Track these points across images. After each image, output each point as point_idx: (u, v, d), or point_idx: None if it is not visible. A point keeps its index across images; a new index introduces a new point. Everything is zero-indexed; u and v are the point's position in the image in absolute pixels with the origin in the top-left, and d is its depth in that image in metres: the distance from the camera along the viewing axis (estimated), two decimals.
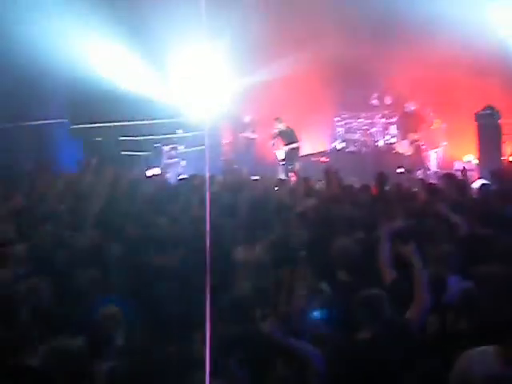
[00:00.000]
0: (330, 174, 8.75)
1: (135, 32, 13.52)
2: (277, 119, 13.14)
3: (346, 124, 15.09)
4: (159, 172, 12.21)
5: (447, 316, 4.32)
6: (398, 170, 12.01)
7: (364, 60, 13.49)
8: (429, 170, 12.87)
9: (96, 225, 7.23)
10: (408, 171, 10.02)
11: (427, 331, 4.36)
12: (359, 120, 14.86)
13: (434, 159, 13.37)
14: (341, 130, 15.17)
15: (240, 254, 6.26)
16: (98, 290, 5.49)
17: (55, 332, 4.42)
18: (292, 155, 13.07)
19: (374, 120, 14.51)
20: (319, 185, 9.24)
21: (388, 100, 14.22)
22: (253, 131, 14.35)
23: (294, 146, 13.06)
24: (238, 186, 9.25)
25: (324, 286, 5.21)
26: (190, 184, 9.19)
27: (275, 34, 13.77)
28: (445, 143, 13.59)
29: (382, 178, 8.37)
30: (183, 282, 5.73)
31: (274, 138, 13.27)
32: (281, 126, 13.11)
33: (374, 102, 14.36)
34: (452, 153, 13.51)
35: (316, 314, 4.39)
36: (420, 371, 3.66)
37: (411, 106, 12.70)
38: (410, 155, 12.64)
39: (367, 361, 3.90)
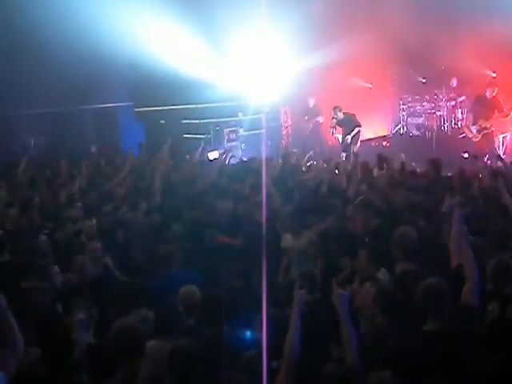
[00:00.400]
0: (383, 159, 8.68)
1: (197, 16, 13.62)
2: (336, 108, 12.90)
3: (409, 107, 14.72)
4: (220, 155, 12.32)
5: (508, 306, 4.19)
6: (464, 155, 11.63)
7: (430, 43, 13.11)
8: (498, 156, 12.38)
9: (158, 207, 7.44)
10: (474, 157, 9.68)
11: (486, 319, 4.25)
12: (424, 103, 14.45)
13: (501, 144, 12.91)
14: (404, 114, 14.81)
15: (287, 240, 6.29)
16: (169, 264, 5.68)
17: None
18: (352, 140, 12.88)
19: (440, 103, 14.09)
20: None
21: (454, 82, 13.75)
22: (318, 115, 14.09)
23: (354, 132, 12.83)
24: (291, 170, 9.26)
25: (383, 273, 5.16)
26: (249, 167, 9.25)
27: (338, 16, 13.56)
28: None
29: (436, 164, 8.15)
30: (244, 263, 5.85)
31: (333, 127, 13.08)
32: (339, 115, 12.87)
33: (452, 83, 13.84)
34: None
35: None
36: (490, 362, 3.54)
37: (491, 91, 12.14)
38: (477, 141, 12.19)
39: (438, 353, 3.78)
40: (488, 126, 12.08)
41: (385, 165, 8.74)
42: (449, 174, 8.61)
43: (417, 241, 5.26)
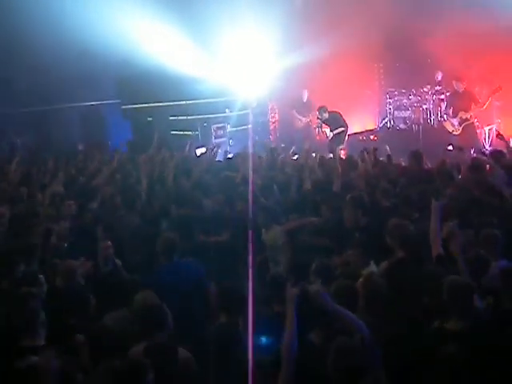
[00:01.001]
0: (367, 153, 8.77)
1: (183, 13, 13.59)
2: (321, 108, 12.80)
3: (396, 101, 14.79)
4: (208, 151, 12.33)
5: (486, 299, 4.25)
6: (448, 148, 11.71)
7: (415, 37, 13.18)
8: (483, 148, 12.49)
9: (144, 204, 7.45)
10: (459, 149, 9.75)
11: None
12: (410, 97, 14.52)
13: (486, 137, 13.02)
14: (390, 108, 14.88)
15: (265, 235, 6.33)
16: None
17: None
18: (338, 138, 12.83)
19: (426, 96, 14.17)
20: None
21: (439, 76, 13.84)
22: (311, 111, 14.01)
23: (339, 130, 12.79)
24: (273, 165, 9.30)
25: (372, 266, 5.22)
26: (234, 163, 9.28)
27: (323, 11, 13.59)
28: (498, 121, 13.20)
29: (417, 157, 8.23)
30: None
31: (319, 127, 13.07)
32: (325, 116, 12.77)
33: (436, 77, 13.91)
34: (506, 130, 13.09)
35: None
36: None
37: (462, 84, 12.23)
38: (459, 134, 12.26)
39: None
40: (468, 116, 12.16)
41: (368, 158, 8.82)
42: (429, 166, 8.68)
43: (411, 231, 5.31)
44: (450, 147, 11.61)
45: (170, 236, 5.90)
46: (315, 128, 13.18)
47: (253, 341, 4.05)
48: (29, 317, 4.16)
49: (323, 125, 13.03)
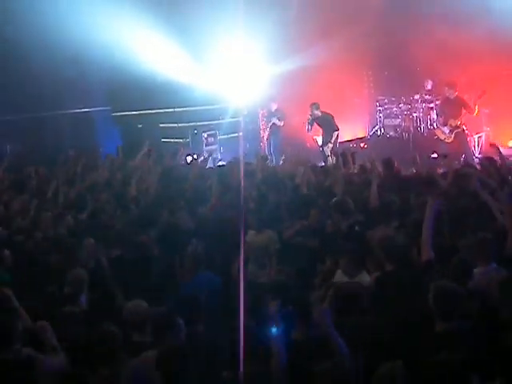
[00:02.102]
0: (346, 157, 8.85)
1: (174, 20, 13.62)
2: (313, 105, 12.83)
3: (386, 109, 14.85)
4: (198, 158, 12.32)
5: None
6: (433, 156, 11.76)
7: (404, 45, 13.28)
8: (473, 155, 12.54)
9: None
10: (444, 156, 9.81)
11: None
12: (400, 105, 14.59)
13: (476, 145, 13.10)
14: (381, 116, 14.94)
15: (250, 237, 6.28)
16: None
17: None
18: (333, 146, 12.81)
19: (416, 105, 14.24)
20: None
21: (429, 85, 13.92)
22: (279, 119, 14.00)
23: (334, 138, 12.73)
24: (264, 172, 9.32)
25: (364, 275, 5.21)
26: (224, 170, 9.28)
27: (313, 20, 13.66)
28: (487, 128, 13.29)
29: (388, 163, 8.33)
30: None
31: (309, 123, 13.02)
32: (317, 113, 12.85)
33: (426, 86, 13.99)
34: (496, 138, 13.18)
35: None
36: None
37: (453, 91, 12.31)
38: (450, 142, 12.31)
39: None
40: (458, 123, 12.20)
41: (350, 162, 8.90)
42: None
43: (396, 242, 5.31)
44: (435, 155, 11.66)
45: (198, 251, 5.83)
46: (305, 123, 13.04)
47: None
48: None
49: (314, 124, 12.98)
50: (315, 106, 12.80)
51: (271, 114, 14.07)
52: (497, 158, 8.22)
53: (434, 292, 4.14)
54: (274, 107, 14.09)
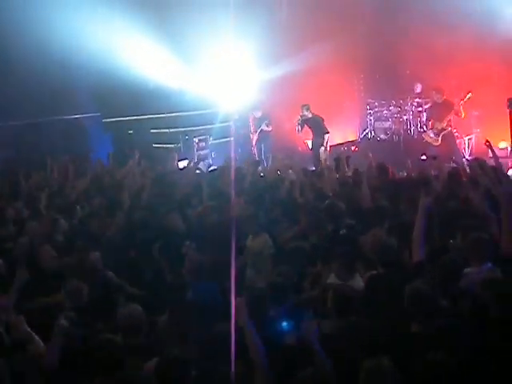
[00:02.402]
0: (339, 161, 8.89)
1: (165, 25, 13.63)
2: (304, 106, 12.83)
3: (376, 112, 14.90)
4: (190, 164, 12.31)
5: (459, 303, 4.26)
6: (422, 158, 11.81)
7: (394, 48, 13.35)
8: (463, 156, 12.60)
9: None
10: (433, 158, 9.85)
11: None
12: (390, 108, 14.65)
13: (466, 147, 13.17)
14: (371, 119, 14.99)
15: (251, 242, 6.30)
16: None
17: None
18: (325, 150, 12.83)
19: (406, 107, 14.31)
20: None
21: (418, 88, 14.00)
22: (267, 124, 13.89)
23: (325, 141, 12.74)
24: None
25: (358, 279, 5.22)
26: (215, 175, 9.29)
27: (304, 24, 13.71)
28: (477, 130, 13.36)
29: (382, 168, 8.39)
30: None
31: (299, 124, 13.03)
32: (308, 114, 12.85)
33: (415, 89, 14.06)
34: (484, 140, 13.26)
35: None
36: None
37: (441, 95, 12.36)
38: (438, 145, 12.35)
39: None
40: (444, 126, 12.25)
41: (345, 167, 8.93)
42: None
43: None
44: (424, 157, 11.71)
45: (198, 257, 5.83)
46: (296, 124, 13.02)
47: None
48: None
49: (305, 125, 12.97)
50: (306, 107, 12.82)
51: (258, 121, 14.03)
52: (489, 156, 8.25)
53: (408, 294, 4.21)
54: (258, 114, 14.01)
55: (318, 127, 12.88)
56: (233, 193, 6.78)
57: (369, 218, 6.44)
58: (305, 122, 12.92)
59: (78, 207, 7.79)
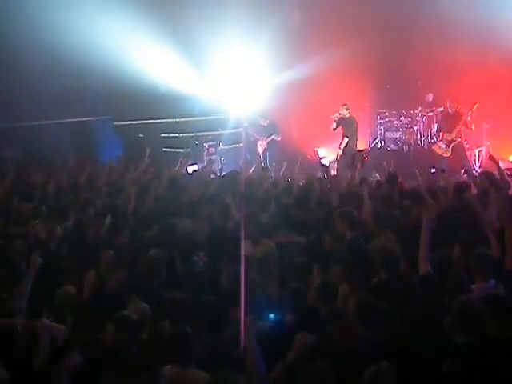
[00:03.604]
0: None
1: (177, 31, 13.69)
2: (344, 105, 12.79)
3: (387, 122, 14.87)
4: (199, 168, 12.32)
5: None
6: (432, 170, 11.77)
7: (406, 59, 13.35)
8: (473, 170, 12.53)
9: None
10: (442, 170, 9.82)
11: None
12: (401, 118, 14.62)
13: (476, 159, 13.12)
14: (381, 128, 14.96)
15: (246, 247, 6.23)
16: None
17: None
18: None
19: (417, 118, 14.28)
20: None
21: (430, 98, 13.97)
22: (272, 133, 13.74)
23: (344, 144, 12.72)
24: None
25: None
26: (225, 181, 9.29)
27: (315, 31, 13.75)
28: (488, 143, 13.31)
29: (393, 178, 8.39)
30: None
31: (336, 122, 12.84)
32: (345, 113, 12.78)
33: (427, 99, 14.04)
34: (496, 152, 13.20)
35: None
36: None
37: (454, 105, 12.34)
38: (449, 156, 12.30)
39: None
40: (453, 137, 12.20)
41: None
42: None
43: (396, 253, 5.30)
44: (433, 170, 11.67)
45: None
46: (334, 122, 12.89)
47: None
48: None
49: (340, 125, 12.88)
50: (345, 106, 12.78)
51: (265, 129, 14.00)
52: (495, 171, 8.21)
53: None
54: (266, 122, 13.92)
55: (348, 130, 12.82)
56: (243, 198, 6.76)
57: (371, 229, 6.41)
58: (340, 121, 12.89)
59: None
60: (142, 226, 7.19)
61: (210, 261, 6.16)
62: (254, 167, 11.11)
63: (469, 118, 12.19)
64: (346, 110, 12.78)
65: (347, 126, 12.84)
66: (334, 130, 13.02)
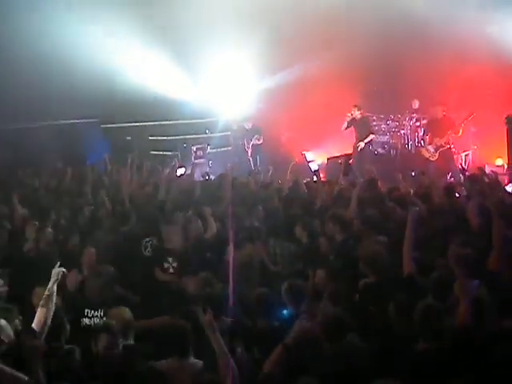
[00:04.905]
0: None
1: (166, 33, 13.67)
2: (355, 106, 12.93)
3: (374, 126, 14.90)
4: (187, 172, 12.31)
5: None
6: (412, 174, 11.87)
7: (394, 64, 13.42)
8: (461, 173, 12.60)
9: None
10: (422, 173, 9.92)
11: None
12: (388, 122, 14.69)
13: (463, 163, 13.21)
14: None
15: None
16: None
17: None
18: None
19: (404, 122, 14.36)
20: None
21: (415, 104, 14.06)
22: (258, 138, 13.88)
23: (369, 139, 12.97)
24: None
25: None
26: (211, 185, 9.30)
27: (304, 35, 13.75)
28: (475, 147, 13.41)
29: (372, 181, 8.48)
30: None
31: (347, 122, 12.94)
32: (357, 114, 12.90)
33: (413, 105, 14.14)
34: (482, 156, 13.33)
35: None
36: None
37: (440, 110, 12.43)
38: (436, 160, 12.39)
39: None
40: (443, 143, 12.30)
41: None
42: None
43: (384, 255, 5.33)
44: (413, 173, 11.77)
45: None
46: (346, 122, 12.98)
47: None
48: None
49: (351, 125, 12.98)
50: (357, 107, 12.94)
51: (248, 132, 14.04)
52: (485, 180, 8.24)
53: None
54: (249, 126, 14.03)
55: (364, 129, 12.94)
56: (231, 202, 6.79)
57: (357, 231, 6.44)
58: (352, 122, 12.97)
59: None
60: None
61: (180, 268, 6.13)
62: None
63: (462, 125, 12.31)
64: (358, 110, 12.90)
65: (359, 126, 12.95)
66: (346, 129, 13.17)
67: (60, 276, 4.66)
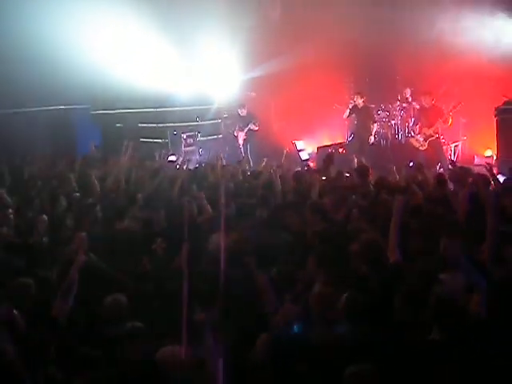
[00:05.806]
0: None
1: (157, 20, 13.57)
2: (358, 93, 12.98)
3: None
4: (176, 159, 12.29)
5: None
6: (410, 164, 11.89)
7: (385, 53, 13.42)
8: (451, 164, 12.64)
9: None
10: (418, 165, 9.97)
11: None
12: (379, 112, 14.70)
13: (453, 154, 13.27)
14: None
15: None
16: None
17: None
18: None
19: (395, 112, 14.38)
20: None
21: (408, 93, 14.08)
22: (255, 123, 13.80)
23: (374, 130, 13.07)
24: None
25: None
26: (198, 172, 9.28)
27: (296, 23, 13.74)
28: (464, 138, 13.47)
29: (363, 170, 8.50)
30: None
31: (349, 109, 13.00)
32: (359, 102, 12.92)
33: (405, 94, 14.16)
34: (472, 147, 13.40)
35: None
36: None
37: (429, 100, 12.46)
38: (425, 150, 12.43)
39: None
40: (432, 132, 12.35)
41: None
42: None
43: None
44: (411, 164, 11.79)
45: None
46: (348, 109, 13.04)
47: None
48: None
49: (353, 113, 13.03)
50: (360, 95, 12.96)
51: (243, 119, 14.02)
52: (474, 164, 8.30)
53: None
54: (244, 112, 13.96)
55: (366, 118, 12.96)
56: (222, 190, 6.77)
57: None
58: (354, 109, 13.00)
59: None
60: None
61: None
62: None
63: (450, 116, 12.34)
64: (361, 98, 12.92)
65: (361, 114, 12.98)
66: (347, 117, 13.22)
67: None
